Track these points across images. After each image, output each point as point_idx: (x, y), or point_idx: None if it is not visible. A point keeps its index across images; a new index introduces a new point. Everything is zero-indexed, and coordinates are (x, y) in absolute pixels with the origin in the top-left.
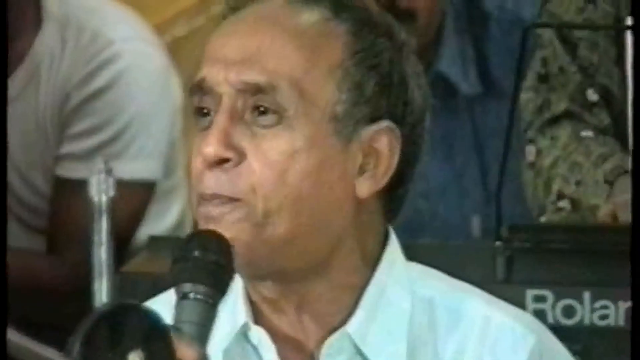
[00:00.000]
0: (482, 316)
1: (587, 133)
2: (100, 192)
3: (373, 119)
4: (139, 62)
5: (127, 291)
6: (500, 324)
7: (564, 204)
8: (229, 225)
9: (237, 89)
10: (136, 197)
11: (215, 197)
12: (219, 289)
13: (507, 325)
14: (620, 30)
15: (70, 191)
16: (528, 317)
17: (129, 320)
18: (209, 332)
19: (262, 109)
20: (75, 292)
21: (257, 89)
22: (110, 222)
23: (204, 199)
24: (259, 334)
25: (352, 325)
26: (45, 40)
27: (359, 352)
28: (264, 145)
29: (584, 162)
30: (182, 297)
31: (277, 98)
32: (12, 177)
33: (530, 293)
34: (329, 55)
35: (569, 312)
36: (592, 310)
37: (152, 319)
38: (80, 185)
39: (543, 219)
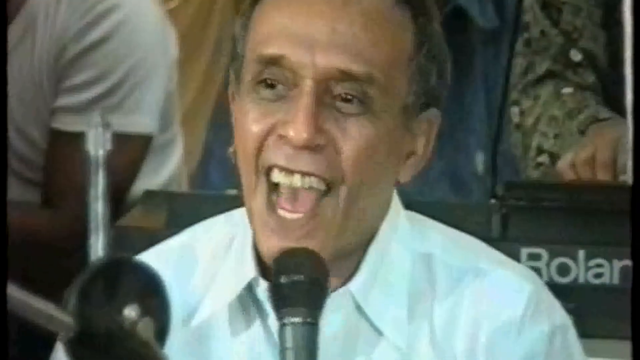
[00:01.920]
0: (479, 269)
1: (567, 90)
2: (97, 146)
3: (426, 107)
4: (137, 14)
5: (123, 245)
6: (496, 276)
7: (542, 158)
8: (317, 210)
9: (325, 75)
10: (133, 151)
11: (307, 175)
12: (317, 305)
13: (503, 276)
14: None
15: (66, 144)
16: (524, 269)
17: (124, 275)
18: (316, 351)
19: (349, 97)
20: (71, 246)
21: (350, 78)
22: (106, 176)
23: (278, 171)
24: (267, 289)
25: (354, 284)
26: None
27: (359, 309)
28: (352, 133)
29: (560, 116)
30: (283, 324)
31: (369, 88)
32: (9, 130)
33: (525, 251)
34: (405, 46)
35: (563, 270)
36: (587, 269)
37: (148, 274)
38: (77, 138)
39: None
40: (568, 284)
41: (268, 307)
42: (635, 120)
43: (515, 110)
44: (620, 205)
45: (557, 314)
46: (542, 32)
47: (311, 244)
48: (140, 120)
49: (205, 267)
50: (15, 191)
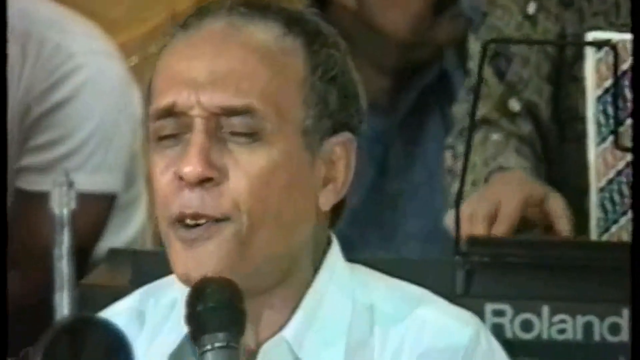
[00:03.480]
0: (419, 319)
1: (495, 136)
2: (61, 205)
3: (335, 131)
4: (100, 75)
5: (88, 304)
6: (436, 324)
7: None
8: (218, 245)
9: (211, 112)
10: (97, 210)
11: (198, 217)
12: (236, 328)
13: (442, 324)
14: (576, 45)
15: (30, 203)
16: (466, 315)
17: (89, 333)
18: None
19: (237, 129)
20: (37, 305)
21: (232, 112)
22: (71, 235)
23: (181, 218)
24: (185, 320)
25: (289, 331)
26: (12, 56)
27: (295, 358)
28: (243, 162)
29: (477, 162)
30: (204, 351)
31: (253, 119)
32: None
33: (490, 307)
34: (294, 72)
35: (527, 326)
36: (550, 325)
37: (113, 332)
38: (41, 198)
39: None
40: (532, 340)
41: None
42: (634, 159)
43: (448, 154)
44: (584, 261)
45: (496, 357)
46: (485, 81)
47: (216, 266)
48: (105, 179)
49: (150, 328)
50: None
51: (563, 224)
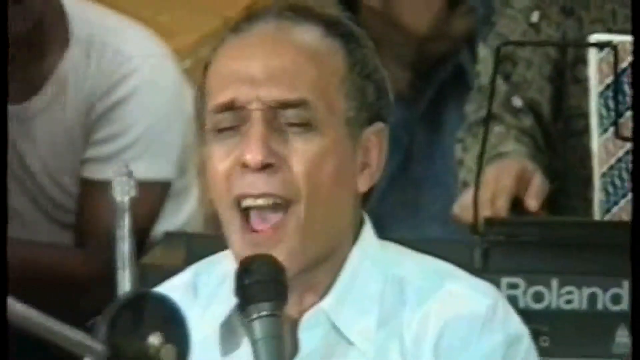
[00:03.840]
0: (445, 289)
1: (498, 128)
2: (122, 193)
3: (370, 121)
4: (155, 76)
5: (146, 281)
6: (459, 294)
7: (466, 191)
8: (281, 232)
9: (269, 105)
10: (153, 196)
11: (264, 197)
12: (280, 300)
13: (465, 294)
14: (578, 46)
15: (95, 191)
16: (485, 286)
17: (148, 306)
18: (282, 340)
19: (293, 120)
20: (101, 282)
21: (288, 105)
22: (131, 219)
23: (245, 200)
24: (234, 292)
25: (327, 302)
26: (72, 59)
27: (333, 326)
28: (299, 149)
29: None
30: (251, 319)
31: (306, 110)
32: (44, 179)
33: (504, 281)
34: (336, 69)
35: (538, 297)
36: (559, 296)
37: (170, 306)
38: (104, 186)
39: None
40: (542, 310)
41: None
42: (634, 158)
43: (458, 147)
44: (588, 239)
45: (512, 326)
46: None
47: (278, 254)
48: (160, 168)
49: (202, 300)
50: (51, 233)
51: (531, 202)
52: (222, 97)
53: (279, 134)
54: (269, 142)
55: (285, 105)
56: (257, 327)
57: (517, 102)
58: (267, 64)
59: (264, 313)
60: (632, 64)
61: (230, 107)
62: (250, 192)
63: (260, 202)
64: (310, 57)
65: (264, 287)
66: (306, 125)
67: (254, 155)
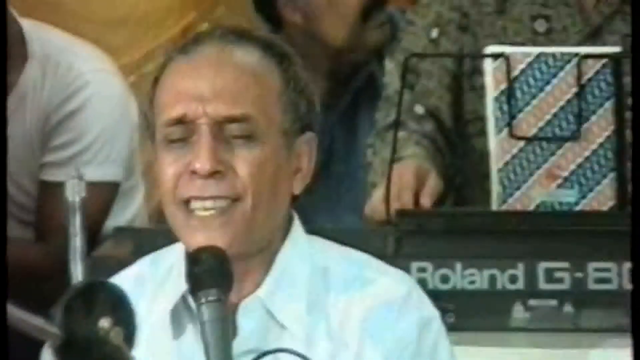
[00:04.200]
0: (365, 278)
1: (402, 134)
2: (74, 194)
3: (302, 131)
4: (104, 90)
5: (97, 272)
6: (378, 282)
7: (375, 192)
8: (228, 225)
9: (215, 120)
10: (103, 196)
11: (213, 199)
12: (226, 287)
13: (383, 282)
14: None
15: (52, 192)
16: (400, 275)
17: (99, 294)
18: (226, 322)
19: (236, 132)
20: (57, 273)
21: (232, 119)
22: (82, 217)
23: (194, 201)
24: (185, 278)
25: (262, 290)
26: (30, 75)
27: (268, 311)
28: (243, 157)
29: (386, 157)
30: (200, 304)
31: (248, 124)
32: (9, 183)
33: (415, 265)
34: (273, 86)
35: (444, 279)
36: (463, 277)
37: (117, 292)
38: (60, 187)
39: None
40: (449, 290)
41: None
42: (634, 159)
43: (369, 151)
44: (488, 226)
45: (426, 309)
46: (396, 91)
47: (223, 235)
48: (109, 171)
49: (152, 289)
50: (14, 231)
51: (425, 200)
52: (173, 113)
53: (224, 145)
54: (216, 152)
55: (230, 119)
56: (205, 310)
57: (420, 109)
58: (213, 83)
59: (212, 298)
60: (632, 70)
61: (180, 121)
62: (199, 195)
63: (207, 204)
64: (251, 76)
65: (211, 275)
66: (249, 137)
67: (203, 165)
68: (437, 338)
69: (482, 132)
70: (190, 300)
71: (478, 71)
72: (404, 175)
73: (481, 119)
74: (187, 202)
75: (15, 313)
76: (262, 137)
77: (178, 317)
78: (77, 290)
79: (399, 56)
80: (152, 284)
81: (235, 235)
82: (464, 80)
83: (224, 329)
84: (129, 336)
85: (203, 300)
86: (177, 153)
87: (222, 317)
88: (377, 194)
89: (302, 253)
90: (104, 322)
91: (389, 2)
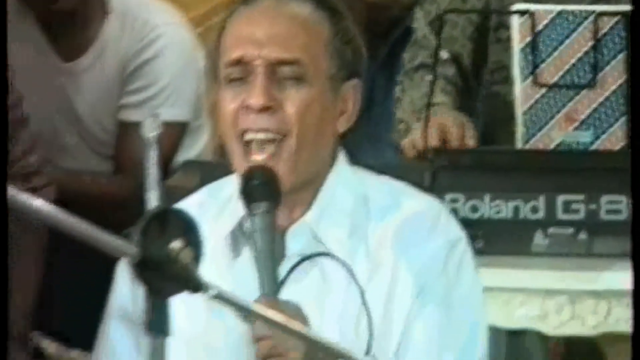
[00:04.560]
0: (401, 203)
1: (428, 77)
2: (150, 131)
3: (349, 77)
4: (174, 40)
5: (168, 200)
6: (412, 207)
7: (401, 126)
8: (277, 155)
9: (269, 62)
10: (174, 133)
11: (264, 131)
12: (275, 201)
13: (416, 207)
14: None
15: (129, 130)
16: (432, 201)
17: (171, 219)
18: (274, 232)
19: (287, 74)
20: (132, 201)
21: (284, 62)
22: (156, 152)
23: (248, 133)
24: (239, 194)
25: (309, 216)
26: (110, 28)
27: (314, 235)
28: (292, 97)
29: (415, 96)
30: (252, 214)
31: (298, 67)
32: (89, 121)
33: (448, 196)
34: (322, 36)
35: (474, 209)
36: (490, 208)
37: (187, 218)
38: (136, 126)
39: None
40: (477, 219)
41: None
42: (633, 157)
43: (398, 88)
44: (513, 163)
45: (453, 232)
46: (424, 36)
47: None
48: (179, 112)
49: (213, 214)
50: (95, 164)
51: (453, 141)
52: (233, 55)
53: (276, 84)
54: (269, 90)
55: (282, 62)
56: (256, 221)
57: (444, 54)
58: (268, 30)
59: (262, 209)
60: (632, 66)
61: (239, 62)
62: (253, 127)
63: (260, 135)
64: (302, 25)
65: (262, 189)
66: (298, 79)
67: (256, 100)
68: (462, 258)
69: (505, 80)
70: (246, 225)
71: (504, 26)
72: (444, 121)
73: (505, 68)
74: (242, 133)
75: (98, 234)
76: (310, 80)
77: (235, 240)
78: (152, 216)
79: (428, 6)
80: (213, 210)
81: (282, 175)
82: (489, 33)
83: (272, 238)
84: (196, 257)
85: (255, 211)
86: (235, 91)
87: (271, 227)
88: (415, 133)
89: (346, 183)
90: (175, 244)
91: None
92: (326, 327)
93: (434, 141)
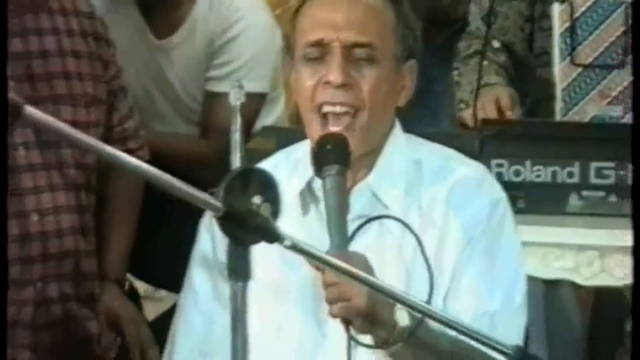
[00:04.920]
0: (450, 167)
1: (484, 63)
2: (235, 100)
3: (408, 58)
4: (255, 21)
5: (249, 161)
6: (460, 171)
7: (462, 105)
8: (351, 126)
9: (346, 44)
10: (255, 103)
11: (341, 105)
12: (346, 165)
13: (464, 171)
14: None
15: (215, 99)
16: (479, 166)
17: (252, 177)
18: (344, 193)
19: (362, 55)
20: (217, 161)
21: (359, 45)
22: (240, 118)
23: (326, 106)
24: (311, 156)
25: (370, 178)
26: (199, 9)
27: (374, 194)
28: (366, 75)
29: (471, 78)
30: (325, 175)
31: (371, 50)
32: (180, 91)
33: (494, 162)
34: (389, 23)
35: (517, 173)
36: (531, 172)
37: (267, 176)
38: (222, 96)
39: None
40: (519, 182)
41: (319, 195)
42: (633, 157)
43: (455, 72)
44: (552, 133)
45: (496, 192)
46: (477, 28)
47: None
48: (259, 84)
49: (285, 176)
50: (184, 129)
51: (505, 110)
52: (313, 36)
53: (352, 64)
54: (346, 69)
55: (357, 45)
56: (328, 182)
57: (496, 43)
58: (345, 15)
59: (334, 172)
60: (632, 66)
61: (318, 43)
62: (331, 100)
63: (337, 108)
64: (374, 13)
65: (335, 153)
66: (370, 60)
67: (335, 77)
68: (504, 215)
69: (547, 64)
70: (314, 185)
71: (546, 16)
72: (502, 97)
73: (547, 53)
74: (320, 106)
75: (188, 189)
76: (380, 60)
77: (304, 198)
78: (236, 174)
79: (482, 1)
80: (286, 170)
81: (355, 144)
82: (535, 22)
83: (342, 197)
84: (275, 211)
85: (327, 173)
86: (314, 68)
87: (342, 188)
88: (469, 109)
89: (401, 150)
90: (256, 199)
91: None
92: (387, 276)
93: (490, 112)
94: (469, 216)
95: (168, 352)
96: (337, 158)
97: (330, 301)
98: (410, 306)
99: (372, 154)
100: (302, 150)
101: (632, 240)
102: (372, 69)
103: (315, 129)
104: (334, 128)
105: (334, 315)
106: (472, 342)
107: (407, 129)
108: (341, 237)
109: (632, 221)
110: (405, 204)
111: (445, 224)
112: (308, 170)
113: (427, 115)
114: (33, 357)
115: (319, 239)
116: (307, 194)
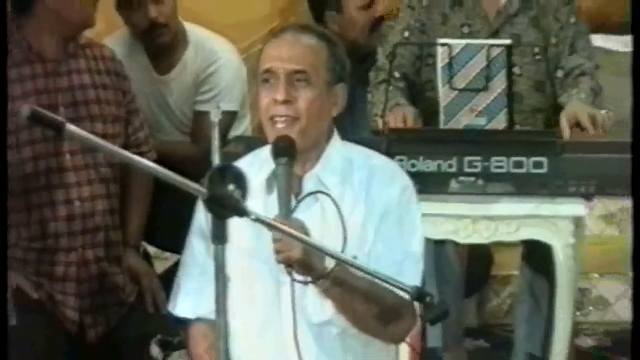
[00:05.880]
0: (372, 163)
1: (390, 88)
2: (215, 116)
3: (337, 82)
4: (229, 61)
5: (226, 160)
6: (379, 165)
7: (376, 118)
8: (292, 130)
9: (288, 72)
10: (228, 118)
11: (284, 116)
12: (292, 157)
13: (381, 164)
14: None
15: (201, 116)
16: (390, 160)
17: (228, 171)
18: (291, 177)
19: (300, 80)
20: (203, 160)
21: (297, 72)
22: (218, 130)
23: (275, 117)
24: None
25: (317, 169)
26: (189, 53)
27: (320, 180)
28: (303, 94)
29: (380, 99)
30: (277, 165)
31: (307, 75)
32: (176, 110)
33: (397, 157)
34: (322, 57)
35: (412, 165)
36: (423, 164)
37: (238, 170)
38: (205, 114)
39: None
40: (415, 171)
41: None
42: (634, 157)
43: (369, 95)
44: (436, 137)
45: (405, 180)
46: (383, 63)
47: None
48: (232, 105)
49: (254, 169)
50: (180, 137)
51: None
52: (266, 65)
53: (293, 86)
54: (288, 90)
55: (296, 72)
56: (279, 169)
57: (396, 74)
58: (288, 51)
59: (283, 161)
60: (632, 66)
61: (269, 71)
62: (278, 114)
63: (282, 118)
64: (310, 49)
65: (284, 148)
66: (307, 83)
67: (280, 96)
68: (410, 196)
69: (433, 88)
70: (277, 174)
71: (431, 55)
72: (407, 114)
73: (431, 81)
74: (272, 117)
75: (182, 180)
76: (314, 83)
77: (269, 184)
78: (216, 169)
79: (387, 46)
80: (256, 165)
81: (295, 137)
82: (423, 60)
83: (289, 180)
84: (243, 195)
85: (278, 163)
86: (268, 90)
87: (289, 173)
88: (384, 120)
89: (338, 150)
90: (231, 187)
91: (384, 20)
92: (327, 235)
93: (397, 123)
94: (385, 197)
95: (174, 292)
96: (285, 152)
97: (276, 252)
98: (329, 254)
99: (317, 151)
100: (266, 152)
101: (632, 240)
102: (308, 90)
103: (269, 133)
104: (280, 132)
105: (278, 262)
106: (383, 284)
107: (342, 136)
108: (286, 208)
109: (632, 221)
110: (342, 188)
111: (370, 202)
112: (272, 164)
113: (351, 127)
114: (77, 302)
115: (276, 210)
116: (272, 180)
